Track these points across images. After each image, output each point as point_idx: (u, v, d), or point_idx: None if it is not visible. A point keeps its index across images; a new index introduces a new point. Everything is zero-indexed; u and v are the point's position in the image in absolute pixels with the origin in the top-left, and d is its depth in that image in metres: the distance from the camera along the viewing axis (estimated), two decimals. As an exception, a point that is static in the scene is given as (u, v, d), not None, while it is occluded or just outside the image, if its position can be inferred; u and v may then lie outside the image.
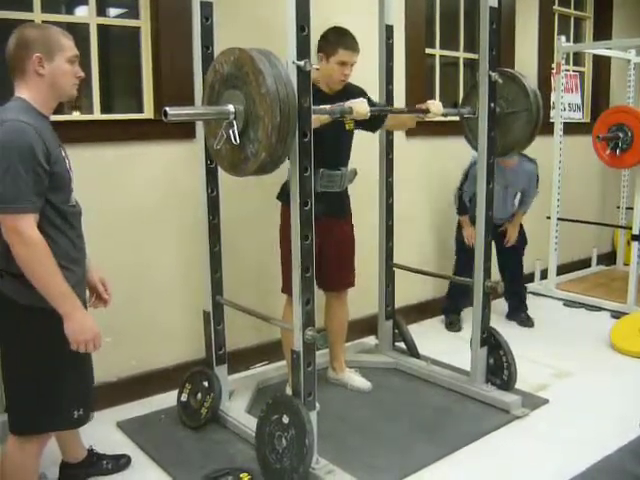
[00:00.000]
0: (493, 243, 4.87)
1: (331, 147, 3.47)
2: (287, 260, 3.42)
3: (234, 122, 2.67)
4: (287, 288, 3.54)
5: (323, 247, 3.59)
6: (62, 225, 2.38)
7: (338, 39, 3.49)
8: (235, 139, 2.66)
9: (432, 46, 5.35)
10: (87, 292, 2.70)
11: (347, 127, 3.64)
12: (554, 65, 6.04)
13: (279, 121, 2.54)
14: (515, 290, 5.37)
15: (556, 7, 6.53)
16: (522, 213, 5.26)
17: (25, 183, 2.19)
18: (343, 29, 3.57)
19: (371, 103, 3.49)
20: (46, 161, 2.25)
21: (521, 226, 5.29)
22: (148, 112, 3.87)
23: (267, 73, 2.55)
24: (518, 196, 5.17)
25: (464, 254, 5.03)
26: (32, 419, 2.45)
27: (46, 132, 2.31)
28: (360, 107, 3.16)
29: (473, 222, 4.17)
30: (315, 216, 3.34)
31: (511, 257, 5.27)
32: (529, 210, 5.29)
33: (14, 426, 2.47)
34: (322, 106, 3.13)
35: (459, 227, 5.13)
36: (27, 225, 2.20)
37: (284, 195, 3.51)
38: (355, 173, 3.73)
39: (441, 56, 5.47)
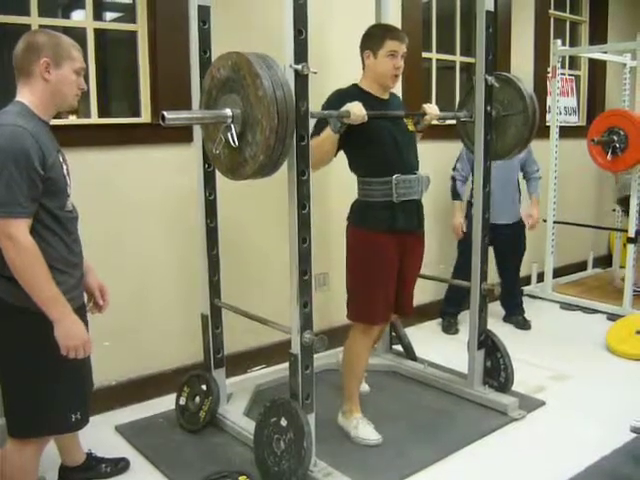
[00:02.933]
0: (492, 248, 4.92)
1: (398, 150, 3.33)
2: (359, 285, 3.37)
3: (232, 126, 2.68)
4: (356, 315, 3.43)
5: (403, 268, 3.47)
6: (58, 230, 2.38)
7: (384, 31, 3.33)
8: (234, 142, 2.67)
9: (429, 50, 5.37)
10: (85, 297, 2.71)
11: (410, 128, 3.46)
12: (550, 69, 6.06)
13: (277, 123, 2.55)
14: (512, 293, 5.38)
15: (552, 11, 6.55)
16: (536, 197, 5.29)
17: (19, 188, 2.19)
18: (386, 23, 3.47)
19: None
20: (41, 166, 2.25)
21: (523, 233, 5.30)
22: (145, 116, 3.88)
23: (264, 76, 2.56)
24: (517, 197, 5.20)
25: (466, 257, 5.04)
26: (29, 422, 2.45)
27: (43, 137, 2.31)
28: (357, 109, 3.07)
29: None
30: (393, 232, 3.34)
31: (511, 261, 5.29)
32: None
33: (12, 429, 2.47)
34: (322, 111, 3.13)
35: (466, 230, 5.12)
36: (19, 230, 2.20)
37: (353, 215, 3.40)
38: (429, 179, 3.51)
39: (438, 60, 5.49)
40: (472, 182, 4.62)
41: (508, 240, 5.13)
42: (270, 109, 2.54)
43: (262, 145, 2.58)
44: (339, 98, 3.25)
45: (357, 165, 3.38)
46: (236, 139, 2.67)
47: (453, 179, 5.02)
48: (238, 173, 2.76)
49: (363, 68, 3.40)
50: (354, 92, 3.32)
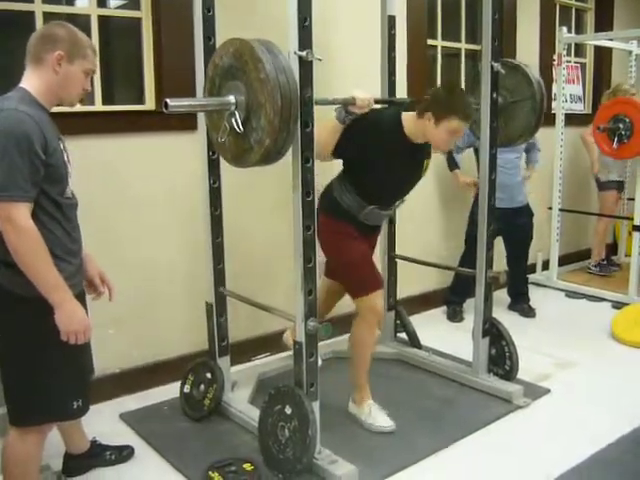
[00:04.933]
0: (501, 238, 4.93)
1: (394, 189, 3.41)
2: (346, 262, 3.41)
3: (236, 112, 2.67)
4: (359, 287, 3.41)
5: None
6: (58, 216, 2.38)
7: (455, 104, 3.18)
8: (239, 127, 2.66)
9: (434, 37, 5.34)
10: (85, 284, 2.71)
11: (423, 174, 3.50)
12: (555, 56, 6.04)
13: (280, 106, 2.54)
14: (518, 281, 5.38)
15: (557, -2, 6.53)
16: (533, 166, 5.35)
17: (20, 172, 2.19)
18: (460, 90, 3.38)
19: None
20: (43, 151, 2.25)
21: (531, 220, 5.30)
22: (149, 103, 3.87)
23: (266, 60, 2.56)
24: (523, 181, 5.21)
25: (472, 248, 5.03)
26: (30, 411, 2.46)
27: (45, 123, 2.31)
28: (362, 94, 3.06)
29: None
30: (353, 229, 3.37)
31: (519, 248, 5.29)
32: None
33: (13, 418, 2.47)
34: (324, 97, 3.11)
35: (471, 219, 5.09)
36: (20, 214, 2.20)
37: (324, 203, 3.40)
38: (403, 201, 3.55)
39: (443, 47, 5.47)
40: (478, 170, 4.65)
41: (516, 225, 5.13)
42: (273, 92, 2.53)
43: (267, 129, 2.57)
44: (372, 131, 3.22)
45: (349, 175, 3.35)
46: (241, 125, 2.66)
47: (449, 151, 4.95)
48: (244, 160, 2.75)
49: (418, 115, 3.25)
50: (392, 130, 3.27)
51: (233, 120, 2.67)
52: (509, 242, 5.25)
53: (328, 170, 3.45)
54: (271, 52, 2.59)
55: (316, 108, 2.79)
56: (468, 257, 4.92)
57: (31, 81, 2.37)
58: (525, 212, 5.24)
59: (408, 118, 3.30)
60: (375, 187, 3.32)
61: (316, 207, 3.31)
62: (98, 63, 3.54)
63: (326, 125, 3.14)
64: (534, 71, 3.88)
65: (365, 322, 3.43)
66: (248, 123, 2.66)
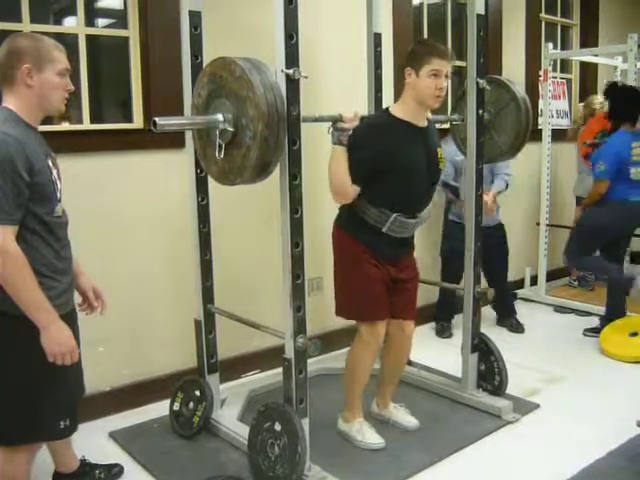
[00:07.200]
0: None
1: (415, 191, 3.28)
2: (353, 283, 3.32)
3: (226, 125, 2.71)
4: (356, 313, 3.41)
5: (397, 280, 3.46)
6: (46, 235, 2.37)
7: (428, 48, 3.16)
8: (230, 128, 2.71)
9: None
10: (79, 299, 2.71)
11: (441, 166, 3.38)
12: (541, 72, 6.08)
13: (263, 91, 2.59)
14: (502, 296, 5.44)
15: (543, 15, 6.58)
16: (492, 189, 5.00)
17: (4, 195, 2.18)
18: (431, 41, 3.32)
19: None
20: (27, 173, 2.24)
21: (505, 235, 5.31)
22: (138, 122, 3.88)
23: (239, 61, 2.65)
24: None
25: (449, 262, 5.05)
26: (18, 430, 2.44)
27: (31, 143, 2.30)
28: (349, 111, 3.07)
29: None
30: (380, 255, 3.30)
31: (498, 264, 5.28)
32: (516, 212, 5.31)
33: (1, 438, 2.46)
34: (313, 115, 3.11)
35: (444, 235, 5.14)
36: (5, 237, 2.19)
37: (342, 218, 3.37)
38: (429, 214, 3.44)
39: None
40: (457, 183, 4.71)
41: (492, 243, 5.14)
42: (252, 82, 2.59)
43: (256, 116, 2.59)
44: (370, 133, 3.17)
45: (368, 188, 3.20)
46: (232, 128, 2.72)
47: (446, 184, 4.96)
48: (245, 167, 2.73)
49: (403, 91, 3.27)
50: (386, 122, 3.23)
51: (226, 127, 2.72)
52: (486, 260, 5.25)
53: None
54: (244, 58, 2.68)
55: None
56: (447, 272, 4.99)
57: (11, 102, 2.36)
58: (499, 229, 5.25)
59: (396, 104, 3.33)
60: (394, 188, 3.19)
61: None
62: (86, 74, 3.63)
63: (334, 159, 3.11)
64: (519, 87, 3.93)
65: (365, 344, 3.37)
66: (239, 125, 2.70)
